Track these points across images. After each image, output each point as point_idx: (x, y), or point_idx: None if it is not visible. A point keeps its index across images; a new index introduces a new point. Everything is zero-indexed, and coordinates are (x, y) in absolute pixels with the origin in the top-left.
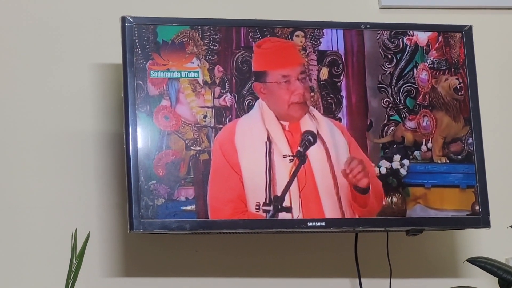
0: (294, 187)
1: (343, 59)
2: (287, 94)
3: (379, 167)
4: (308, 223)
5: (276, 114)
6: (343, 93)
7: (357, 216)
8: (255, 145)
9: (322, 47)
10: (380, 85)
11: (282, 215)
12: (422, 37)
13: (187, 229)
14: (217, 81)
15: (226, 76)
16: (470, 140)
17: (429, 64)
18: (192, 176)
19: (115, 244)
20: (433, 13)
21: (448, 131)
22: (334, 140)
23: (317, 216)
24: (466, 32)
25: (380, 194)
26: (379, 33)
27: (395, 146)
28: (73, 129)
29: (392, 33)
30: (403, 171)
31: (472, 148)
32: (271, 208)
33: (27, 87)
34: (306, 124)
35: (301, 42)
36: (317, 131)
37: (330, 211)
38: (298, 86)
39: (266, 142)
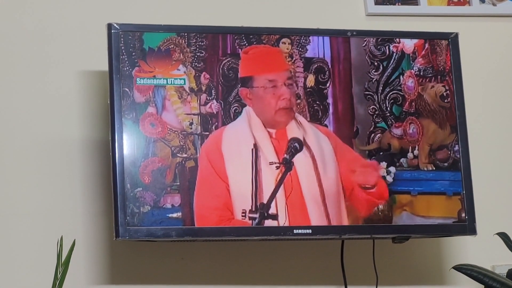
0: (280, 194)
1: (330, 66)
2: (274, 99)
3: None
4: (294, 230)
5: (263, 121)
6: (330, 100)
7: (345, 223)
8: (242, 152)
9: (308, 54)
10: (367, 92)
11: (268, 223)
12: (408, 45)
13: (173, 237)
14: (203, 88)
15: (213, 83)
16: (457, 148)
17: (415, 72)
18: (178, 184)
19: (100, 252)
20: (419, 21)
21: (435, 138)
22: (320, 148)
23: (303, 224)
24: (452, 40)
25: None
26: (365, 40)
27: (381, 153)
28: (59, 135)
29: (379, 40)
30: (389, 178)
31: (458, 156)
32: (257, 215)
33: (13, 93)
34: (293, 131)
35: (287, 49)
36: (304, 139)
37: (316, 218)
38: (285, 91)
39: (252, 149)
